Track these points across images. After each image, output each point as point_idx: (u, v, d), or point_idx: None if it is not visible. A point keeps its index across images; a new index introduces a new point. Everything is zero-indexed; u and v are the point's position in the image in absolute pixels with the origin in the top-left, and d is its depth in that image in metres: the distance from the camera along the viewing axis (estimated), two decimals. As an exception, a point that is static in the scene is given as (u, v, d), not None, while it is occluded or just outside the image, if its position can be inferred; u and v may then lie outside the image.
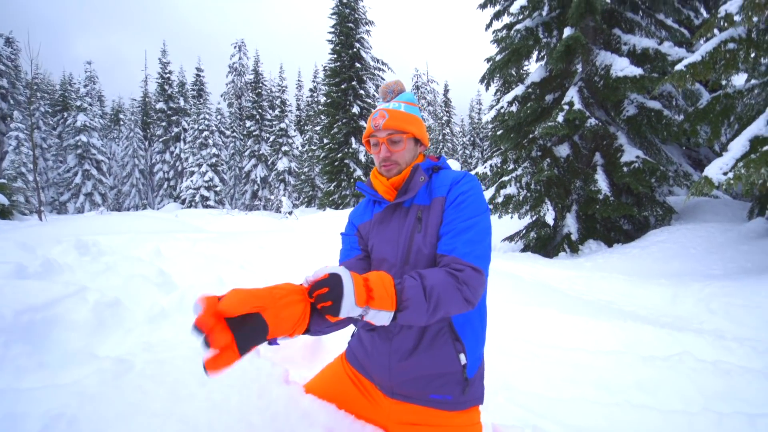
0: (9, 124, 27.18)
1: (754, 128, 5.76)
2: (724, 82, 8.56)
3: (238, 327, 0.79)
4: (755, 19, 5.89)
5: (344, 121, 22.65)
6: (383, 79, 24.24)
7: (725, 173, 5.63)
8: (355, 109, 22.26)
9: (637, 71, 8.03)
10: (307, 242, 5.53)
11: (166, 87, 34.67)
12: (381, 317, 0.93)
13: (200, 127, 29.83)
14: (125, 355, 1.55)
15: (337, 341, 2.10)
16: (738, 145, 5.75)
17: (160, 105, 34.40)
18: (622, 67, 8.23)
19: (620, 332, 3.20)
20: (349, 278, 0.91)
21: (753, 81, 7.23)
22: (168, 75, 34.86)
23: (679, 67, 6.66)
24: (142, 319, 1.98)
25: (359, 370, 1.29)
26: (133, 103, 39.41)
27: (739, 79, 8.07)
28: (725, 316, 4.66)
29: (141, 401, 1.13)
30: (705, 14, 10.51)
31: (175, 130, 33.91)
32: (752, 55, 6.34)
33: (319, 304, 0.89)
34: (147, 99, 38.42)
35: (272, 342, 0.89)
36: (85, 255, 3.05)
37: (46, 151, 31.54)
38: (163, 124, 34.28)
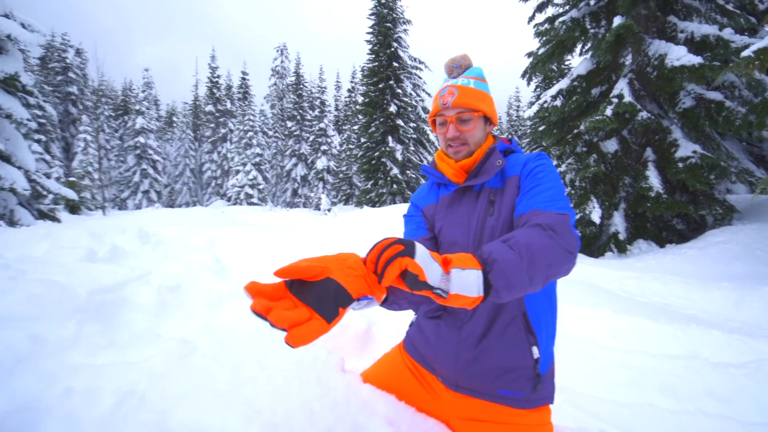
0: (78, 127, 29.85)
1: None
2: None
3: (311, 297, 0.73)
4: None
5: (381, 120, 22.78)
6: (420, 78, 24.12)
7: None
8: (392, 108, 22.33)
9: (696, 60, 7.50)
10: (348, 235, 5.76)
11: (215, 90, 36.49)
12: (469, 279, 0.79)
13: (245, 128, 31.10)
14: (188, 336, 1.64)
15: (389, 332, 2.13)
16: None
17: (209, 107, 36.23)
18: (679, 56, 7.71)
19: (683, 336, 3.02)
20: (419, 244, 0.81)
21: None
22: (216, 79, 36.65)
23: (746, 53, 6.12)
24: (201, 303, 2.10)
25: (419, 362, 1.23)
26: (185, 106, 41.78)
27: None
28: (796, 324, 4.30)
29: (206, 381, 1.17)
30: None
31: (222, 131, 35.59)
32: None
33: (392, 270, 0.76)
34: (197, 102, 40.56)
35: (363, 299, 0.80)
36: (147, 243, 3.31)
37: (109, 152, 34.13)
38: (212, 125, 36.08)
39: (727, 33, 7.75)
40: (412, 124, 23.23)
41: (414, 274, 0.75)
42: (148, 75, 38.44)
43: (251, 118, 31.62)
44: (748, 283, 5.53)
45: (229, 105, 36.30)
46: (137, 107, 31.64)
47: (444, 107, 1.17)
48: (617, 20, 8.18)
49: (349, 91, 37.58)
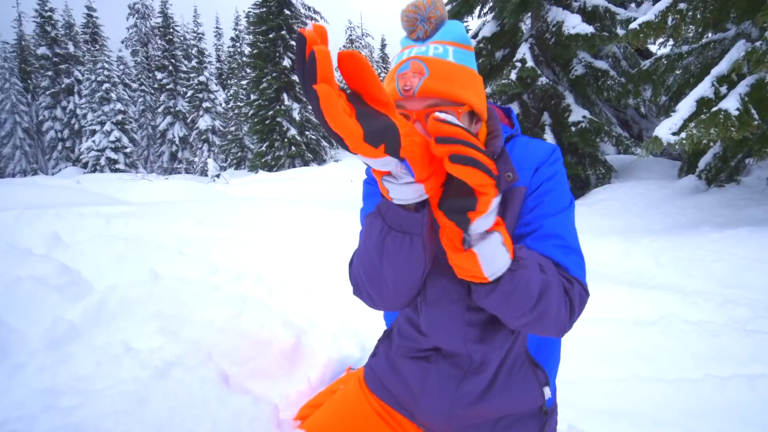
0: None
1: (701, 90, 5.97)
2: (658, 48, 8.92)
3: (363, 110, 0.54)
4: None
5: (274, 75, 20.71)
6: (316, 29, 22.35)
7: (674, 133, 5.83)
8: (286, 62, 20.41)
9: (588, 29, 7.98)
10: (257, 211, 4.66)
11: (48, 28, 28.83)
12: (497, 256, 0.65)
13: (99, 79, 25.56)
14: (11, 422, 0.90)
15: (324, 340, 1.65)
16: (686, 106, 5.94)
17: (43, 50, 28.67)
18: (574, 24, 8.12)
19: (597, 294, 3.14)
20: None
21: (685, 47, 7.54)
22: (48, 14, 28.90)
23: (633, 25, 6.66)
24: (38, 345, 1.24)
25: (392, 405, 0.97)
26: (5, 47, 32.35)
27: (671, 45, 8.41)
28: (674, 270, 4.91)
29: None
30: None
31: (66, 81, 28.70)
32: (698, 16, 6.50)
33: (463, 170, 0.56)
34: (24, 43, 31.75)
35: (405, 165, 0.60)
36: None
37: None
38: (49, 73, 28.78)
39: (614, 6, 8.39)
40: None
41: (476, 211, 0.59)
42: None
43: (106, 66, 26.01)
44: (630, 236, 6.27)
45: (72, 48, 29.17)
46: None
47: (405, 94, 0.77)
48: (522, -18, 8.20)
49: (232, 39, 33.29)
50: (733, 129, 5.18)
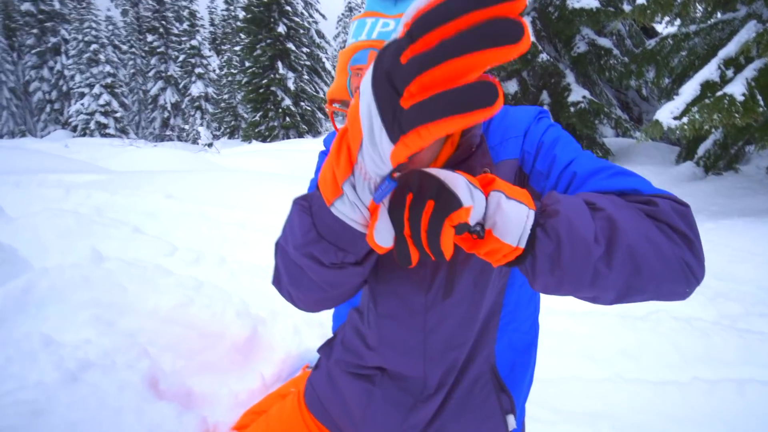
0: None
1: (706, 72, 5.73)
2: (664, 27, 8.57)
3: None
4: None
5: (269, 42, 19.94)
6: (313, -6, 21.45)
7: (676, 117, 5.63)
8: (281, 29, 19.61)
9: (594, 3, 7.63)
10: (236, 185, 4.42)
11: (32, -19, 27.41)
12: (512, 215, 0.45)
13: (86, 39, 24.53)
14: None
15: (283, 333, 1.48)
16: (689, 90, 5.71)
17: (26, 6, 27.37)
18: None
19: None
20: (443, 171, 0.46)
21: (693, 26, 7.23)
22: (32, -35, 27.40)
23: (640, 0, 6.34)
24: None
25: (330, 429, 0.84)
26: (-13, 0, 30.80)
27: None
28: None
29: None
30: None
31: (53, 40, 27.54)
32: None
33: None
34: (7, -4, 30.23)
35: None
36: None
37: None
38: (35, 31, 27.57)
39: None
40: (305, 49, 20.89)
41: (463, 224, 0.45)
42: None
43: (93, 25, 24.92)
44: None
45: (57, 5, 27.85)
46: None
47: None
48: (529, -51, 7.75)
49: (226, 2, 31.92)
50: (737, 115, 4.99)
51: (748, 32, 5.42)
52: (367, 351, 0.77)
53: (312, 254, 0.52)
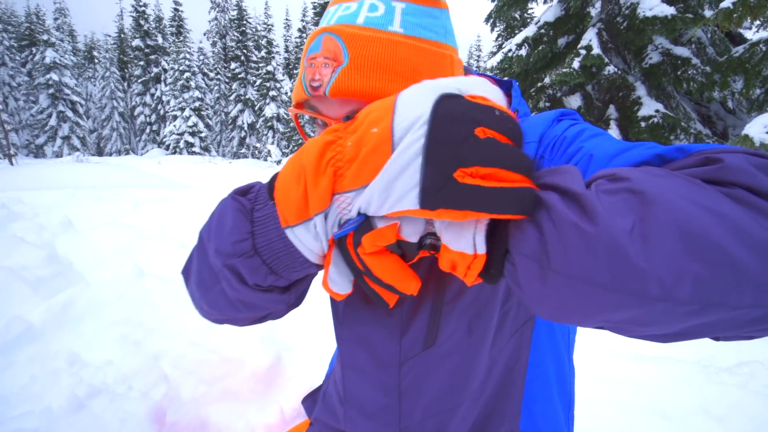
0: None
1: (804, 80, 5.00)
2: (755, 32, 7.61)
3: None
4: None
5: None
6: (378, 17, 22.19)
7: None
8: (348, 52, 20.55)
9: (669, 10, 7.02)
10: None
11: (142, 22, 31.86)
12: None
13: (181, 68, 27.77)
14: None
15: (307, 368, 1.44)
16: (783, 100, 5.02)
17: (137, 42, 31.78)
18: (652, 5, 7.19)
19: None
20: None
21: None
22: (143, 8, 31.87)
23: (725, 4, 5.71)
24: None
25: None
26: (108, 39, 36.41)
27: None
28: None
29: None
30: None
31: (155, 70, 31.61)
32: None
33: None
34: (123, 35, 35.43)
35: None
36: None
37: (15, 90, 29.32)
38: (141, 63, 31.87)
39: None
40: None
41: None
42: (60, 0, 32.69)
43: (187, 56, 28.18)
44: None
45: (160, 40, 31.98)
46: (45, 37, 26.92)
47: (313, 93, 0.51)
48: (592, -40, 7.42)
49: (299, 30, 34.34)
50: (841, 129, 4.28)
51: None
52: (341, 409, 0.62)
53: (236, 268, 0.41)
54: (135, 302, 1.49)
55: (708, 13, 7.07)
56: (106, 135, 33.20)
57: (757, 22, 6.41)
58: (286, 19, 36.84)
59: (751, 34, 7.73)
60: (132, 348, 1.28)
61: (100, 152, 33.29)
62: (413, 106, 0.32)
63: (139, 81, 31.91)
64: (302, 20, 33.69)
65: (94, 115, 34.16)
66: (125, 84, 34.40)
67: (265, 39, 29.37)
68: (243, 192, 0.44)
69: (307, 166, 0.35)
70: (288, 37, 36.93)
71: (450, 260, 0.34)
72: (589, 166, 0.42)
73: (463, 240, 0.33)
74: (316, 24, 21.67)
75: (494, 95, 0.35)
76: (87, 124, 29.74)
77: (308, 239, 0.37)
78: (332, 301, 0.58)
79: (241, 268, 0.41)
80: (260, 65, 28.81)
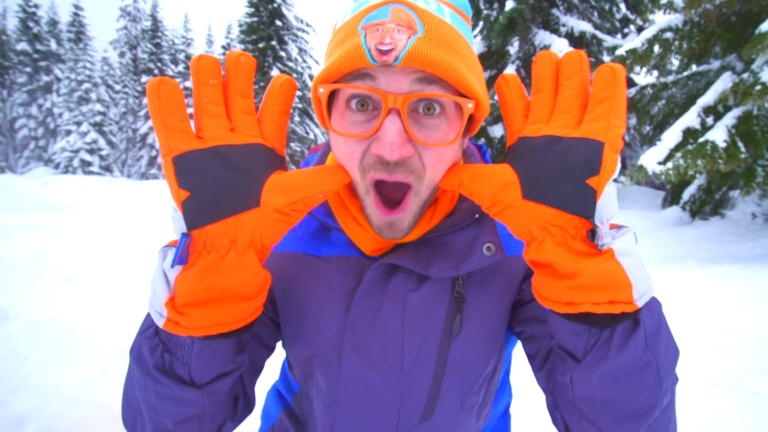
0: None
1: (687, 120, 5.86)
2: (646, 76, 8.96)
3: None
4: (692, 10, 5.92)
5: (261, 84, 20.37)
6: (307, 42, 22.26)
7: (660, 163, 5.67)
8: (274, 72, 20.14)
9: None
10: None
11: (31, 24, 28.12)
12: (641, 261, 0.41)
13: (79, 78, 24.85)
14: None
15: None
16: (672, 136, 5.81)
17: (23, 46, 27.87)
18: (561, 48, 8.05)
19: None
20: None
21: (670, 77, 7.53)
22: (33, 9, 28.21)
23: (619, 52, 6.61)
24: None
25: None
26: (-17, 40, 31.39)
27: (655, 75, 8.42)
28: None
29: None
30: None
31: (45, 78, 27.85)
32: (684, 46, 6.47)
33: None
34: (4, 38, 30.86)
35: None
36: None
37: None
38: (27, 70, 27.90)
39: (600, 32, 8.41)
40: (297, 93, 21.38)
41: (600, 175, 0.44)
42: None
43: (88, 66, 25.36)
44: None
45: (54, 46, 28.43)
46: None
47: (379, 60, 0.45)
48: (510, 3, 8.16)
49: (223, 47, 32.92)
50: (720, 161, 5.02)
51: (724, 83, 5.60)
52: None
53: (140, 351, 0.46)
54: None
55: (607, 58, 8.11)
56: (-25, 150, 28.16)
57: (645, 69, 7.47)
58: (209, 35, 35.25)
59: (639, 79, 9.04)
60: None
61: (-33, 169, 28.03)
62: None
63: (24, 90, 27.81)
64: (227, 37, 32.48)
65: (-40, 126, 28.87)
66: (5, 92, 29.74)
67: (183, 53, 27.64)
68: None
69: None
70: (210, 53, 35.30)
71: (602, 278, 0.42)
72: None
73: (642, 283, 0.43)
74: (242, 42, 21.07)
75: None
76: (-50, 136, 24.98)
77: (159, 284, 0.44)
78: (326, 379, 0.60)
79: (143, 349, 0.47)
80: (177, 80, 27.01)
